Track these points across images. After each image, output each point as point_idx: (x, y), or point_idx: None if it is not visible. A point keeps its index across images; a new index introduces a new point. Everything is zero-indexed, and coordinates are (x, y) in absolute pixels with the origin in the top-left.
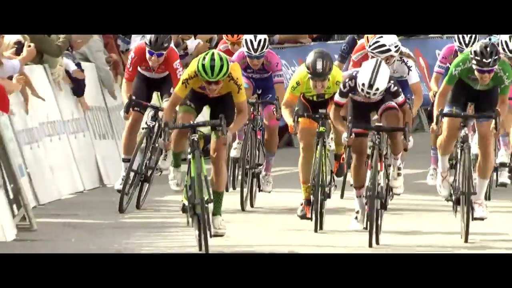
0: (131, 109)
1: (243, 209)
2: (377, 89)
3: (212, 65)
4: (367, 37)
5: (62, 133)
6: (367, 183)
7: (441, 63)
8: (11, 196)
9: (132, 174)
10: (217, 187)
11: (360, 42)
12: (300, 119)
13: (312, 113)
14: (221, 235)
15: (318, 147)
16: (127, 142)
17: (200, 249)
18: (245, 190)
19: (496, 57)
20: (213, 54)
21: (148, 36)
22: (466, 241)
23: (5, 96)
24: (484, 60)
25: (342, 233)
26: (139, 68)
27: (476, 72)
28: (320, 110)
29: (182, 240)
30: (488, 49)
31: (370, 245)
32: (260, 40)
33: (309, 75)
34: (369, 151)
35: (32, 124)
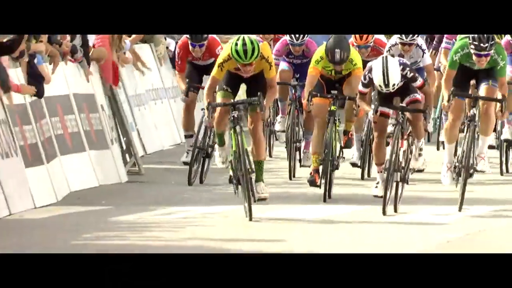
0: (190, 92)
1: (290, 178)
2: (394, 84)
3: (245, 49)
4: (354, 35)
5: (163, 98)
6: (387, 156)
7: (448, 39)
8: (124, 147)
9: (196, 150)
10: (257, 156)
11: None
12: (314, 98)
13: (327, 92)
14: (264, 199)
15: (329, 124)
16: (186, 120)
17: (247, 215)
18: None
19: (493, 42)
20: (244, 39)
21: None
22: (459, 210)
23: (117, 74)
24: (481, 44)
25: (350, 201)
26: (189, 58)
27: (474, 56)
28: (332, 91)
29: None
30: (485, 34)
31: (384, 213)
32: None
33: (329, 61)
34: (391, 129)
35: (140, 91)
